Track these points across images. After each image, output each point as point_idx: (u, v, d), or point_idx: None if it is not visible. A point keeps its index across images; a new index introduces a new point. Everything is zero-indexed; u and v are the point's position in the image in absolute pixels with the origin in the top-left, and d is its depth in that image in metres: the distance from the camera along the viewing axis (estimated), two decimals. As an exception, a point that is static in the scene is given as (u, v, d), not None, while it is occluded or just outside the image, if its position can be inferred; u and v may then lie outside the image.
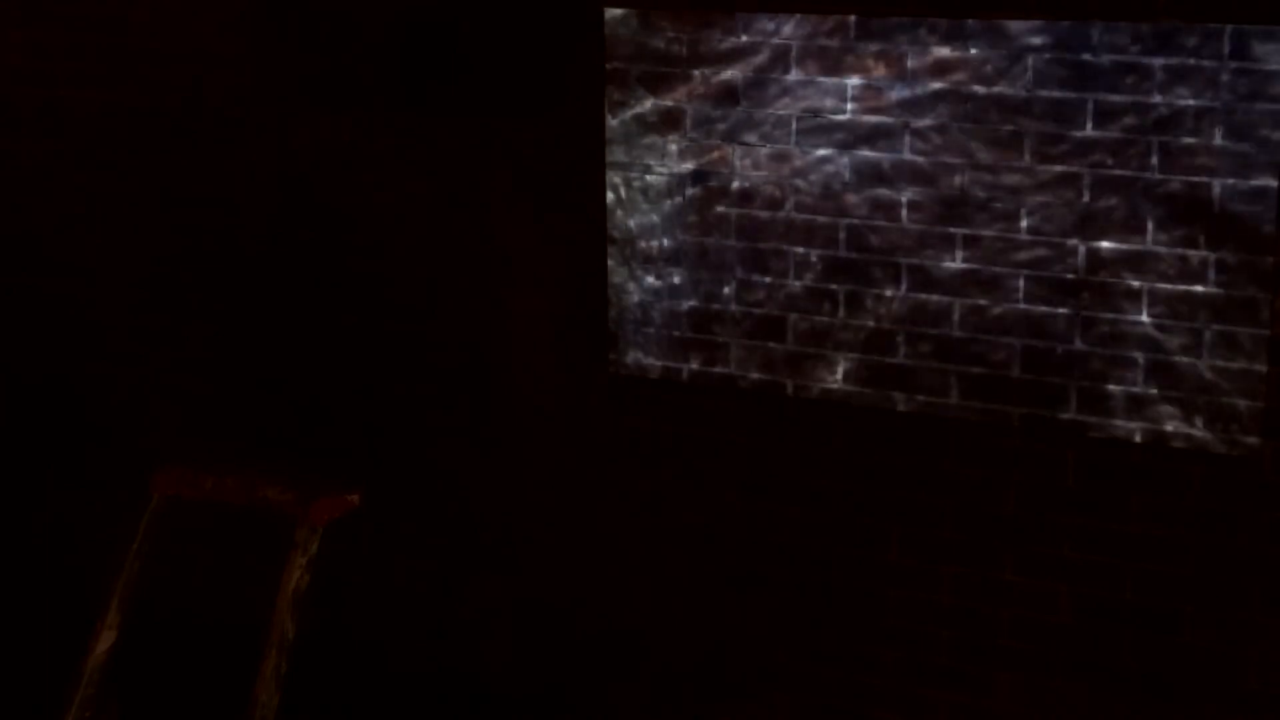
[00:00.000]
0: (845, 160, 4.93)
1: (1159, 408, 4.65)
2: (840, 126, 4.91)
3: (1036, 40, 4.61)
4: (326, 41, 5.62)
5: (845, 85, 4.88)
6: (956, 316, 4.86)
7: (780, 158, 5.01)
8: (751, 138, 5.04)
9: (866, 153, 4.89)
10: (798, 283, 5.07)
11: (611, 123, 5.23)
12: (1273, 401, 4.52)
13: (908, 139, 4.83)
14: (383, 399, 5.81)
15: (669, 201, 5.20)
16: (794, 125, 4.97)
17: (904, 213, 4.87)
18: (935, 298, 4.88)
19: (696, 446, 5.31)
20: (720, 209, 5.13)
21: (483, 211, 5.51)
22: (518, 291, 5.51)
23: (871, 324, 4.98)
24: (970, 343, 4.86)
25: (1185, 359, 4.60)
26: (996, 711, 5.01)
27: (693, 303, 5.23)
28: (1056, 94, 4.61)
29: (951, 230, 4.82)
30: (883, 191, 4.89)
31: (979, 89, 4.71)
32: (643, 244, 5.26)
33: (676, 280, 5.24)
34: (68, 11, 6.01)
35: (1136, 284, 4.63)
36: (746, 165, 5.06)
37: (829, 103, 4.91)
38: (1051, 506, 4.83)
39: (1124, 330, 4.66)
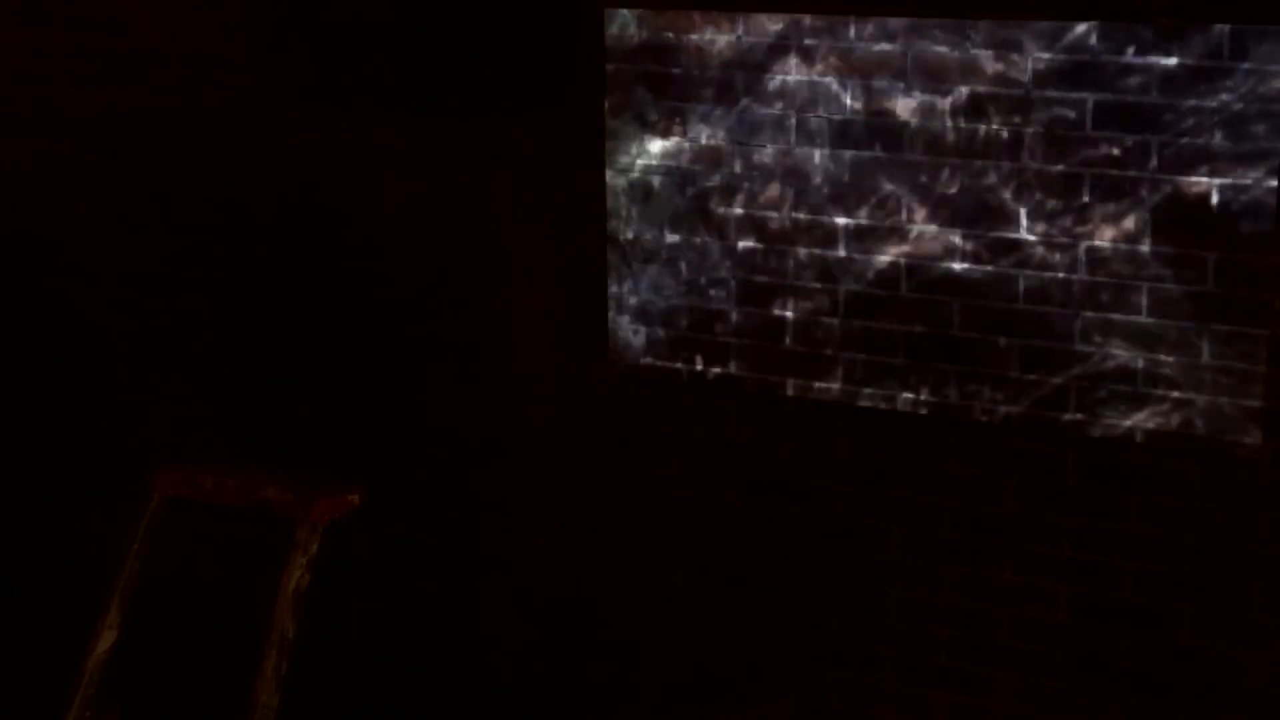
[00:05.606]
0: (845, 160, 4.92)
1: (1159, 408, 4.65)
2: (841, 125, 4.91)
3: (1036, 40, 4.61)
4: (327, 42, 5.62)
5: (845, 84, 4.88)
6: (957, 316, 4.86)
7: (780, 157, 5.01)
8: (751, 137, 5.04)
9: (867, 152, 4.89)
10: (798, 282, 5.06)
11: (611, 123, 5.23)
12: (1273, 401, 4.52)
13: (907, 138, 4.83)
14: (383, 399, 5.81)
15: (669, 201, 5.20)
16: (794, 124, 4.98)
17: (904, 212, 4.87)
18: (936, 297, 4.88)
19: (696, 446, 5.31)
20: (720, 209, 5.13)
21: (483, 211, 5.50)
22: (518, 291, 5.51)
23: (872, 323, 4.98)
24: (970, 342, 4.86)
25: (1185, 359, 4.60)
26: (996, 711, 5.01)
27: (693, 302, 5.23)
28: (1056, 94, 4.61)
29: (952, 230, 4.82)
30: (883, 191, 4.89)
31: (980, 89, 4.71)
32: (643, 243, 5.26)
33: (676, 280, 5.24)
34: (68, 11, 6.01)
35: (1137, 283, 4.63)
36: (746, 164, 5.06)
37: (829, 102, 4.91)
38: (1051, 506, 4.83)
39: (1124, 330, 4.66)
